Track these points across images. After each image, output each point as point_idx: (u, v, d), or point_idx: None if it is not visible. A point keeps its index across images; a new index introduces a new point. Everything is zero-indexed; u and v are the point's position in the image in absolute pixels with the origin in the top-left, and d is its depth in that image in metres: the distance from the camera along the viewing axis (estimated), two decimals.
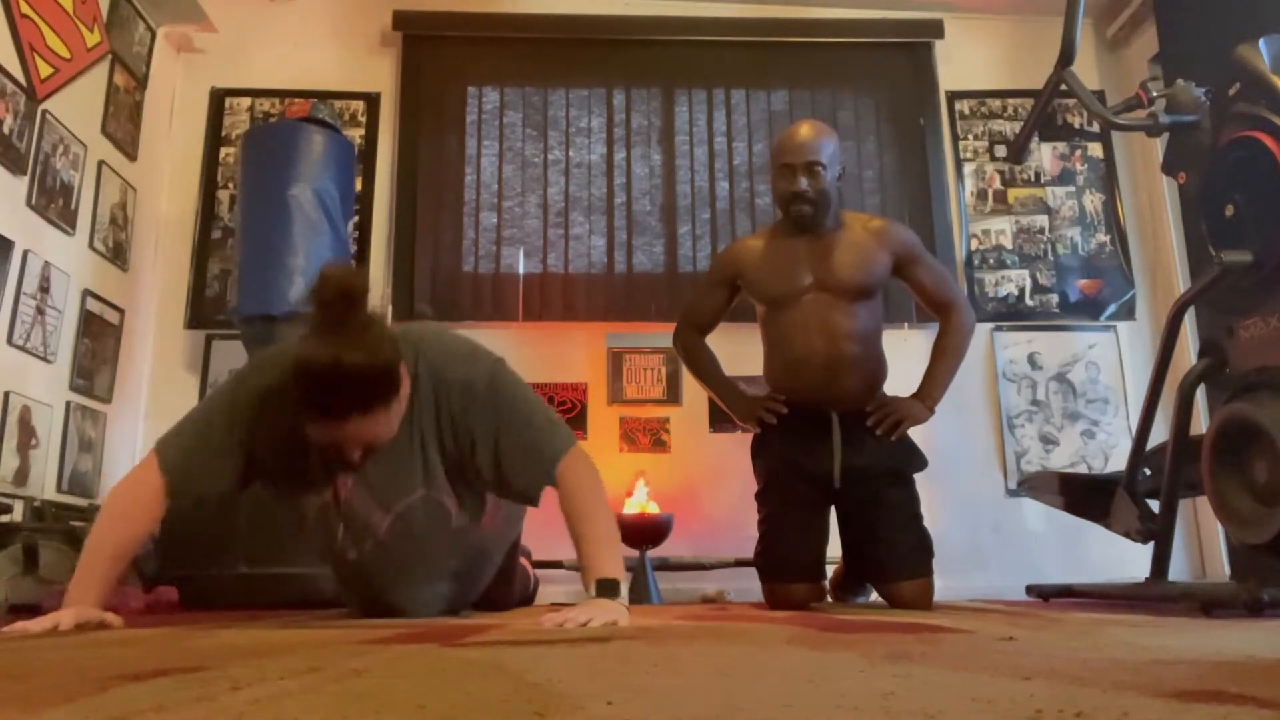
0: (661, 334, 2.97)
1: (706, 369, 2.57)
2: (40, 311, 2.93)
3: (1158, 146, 3.23)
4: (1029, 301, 3.86)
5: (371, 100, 3.95)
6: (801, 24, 4.08)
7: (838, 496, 2.36)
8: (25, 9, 2.83)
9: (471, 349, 1.73)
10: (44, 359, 2.96)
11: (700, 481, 3.58)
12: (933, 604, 2.28)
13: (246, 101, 3.92)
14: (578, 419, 3.65)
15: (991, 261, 3.90)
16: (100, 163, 3.30)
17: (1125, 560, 2.86)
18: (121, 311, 3.43)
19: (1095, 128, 4.01)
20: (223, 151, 3.86)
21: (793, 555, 2.31)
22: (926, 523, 2.33)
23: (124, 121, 3.47)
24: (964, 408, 3.59)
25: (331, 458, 1.58)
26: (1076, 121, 4.03)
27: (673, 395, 3.72)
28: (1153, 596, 2.08)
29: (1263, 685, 0.65)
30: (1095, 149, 4.02)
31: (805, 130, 2.34)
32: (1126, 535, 2.27)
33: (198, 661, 0.89)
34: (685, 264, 3.83)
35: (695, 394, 3.47)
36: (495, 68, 4.01)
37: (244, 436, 1.61)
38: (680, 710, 0.57)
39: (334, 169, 3.19)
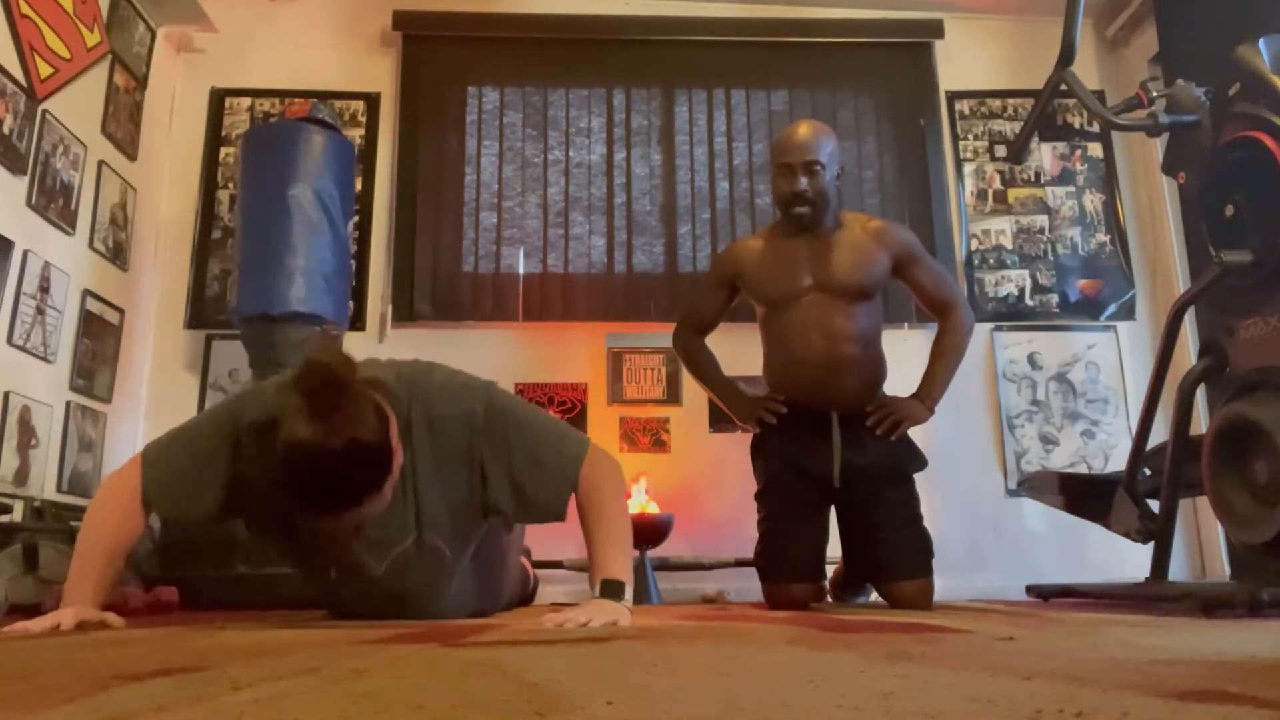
0: (661, 334, 2.97)
1: (706, 369, 2.57)
2: (40, 311, 2.93)
3: (1158, 146, 3.23)
4: (1029, 301, 3.86)
5: (371, 100, 3.95)
6: (801, 24, 4.08)
7: (838, 496, 2.37)
8: (25, 9, 2.83)
9: (462, 382, 1.68)
10: (44, 359, 2.96)
11: (700, 481, 3.58)
12: (933, 604, 2.29)
13: (246, 101, 3.92)
14: (578, 419, 3.65)
15: (991, 261, 3.90)
16: (100, 163, 3.30)
17: (1125, 560, 2.86)
18: (121, 311, 3.43)
19: (1095, 128, 4.01)
20: (223, 151, 3.86)
21: (793, 555, 2.32)
22: (926, 523, 2.33)
23: (124, 121, 3.47)
24: (964, 408, 3.59)
25: (326, 538, 1.54)
26: (1076, 121, 4.03)
27: (673, 395, 3.72)
28: (1153, 596, 2.08)
29: (1263, 685, 0.65)
30: (1095, 149, 4.02)
31: (804, 130, 2.34)
32: (1126, 535, 2.27)
33: (198, 661, 0.89)
34: (685, 264, 3.83)
35: (695, 394, 3.47)
36: (495, 68, 4.01)
37: (229, 476, 1.56)
38: (680, 710, 0.57)
39: (334, 169, 3.19)
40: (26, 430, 2.85)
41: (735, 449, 2.94)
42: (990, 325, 3.80)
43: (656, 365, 3.74)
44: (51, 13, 2.98)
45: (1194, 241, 3.38)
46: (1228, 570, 3.39)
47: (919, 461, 2.38)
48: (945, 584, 2.50)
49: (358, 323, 3.66)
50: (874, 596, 2.59)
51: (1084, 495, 2.54)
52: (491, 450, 1.61)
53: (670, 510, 3.34)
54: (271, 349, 2.97)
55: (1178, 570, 3.36)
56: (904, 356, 2.79)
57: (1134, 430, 2.31)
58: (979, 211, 3.96)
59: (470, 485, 1.62)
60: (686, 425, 3.68)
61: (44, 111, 2.95)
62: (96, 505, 1.60)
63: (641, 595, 3.13)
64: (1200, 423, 2.83)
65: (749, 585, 2.75)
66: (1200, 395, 2.70)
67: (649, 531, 3.22)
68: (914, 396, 2.38)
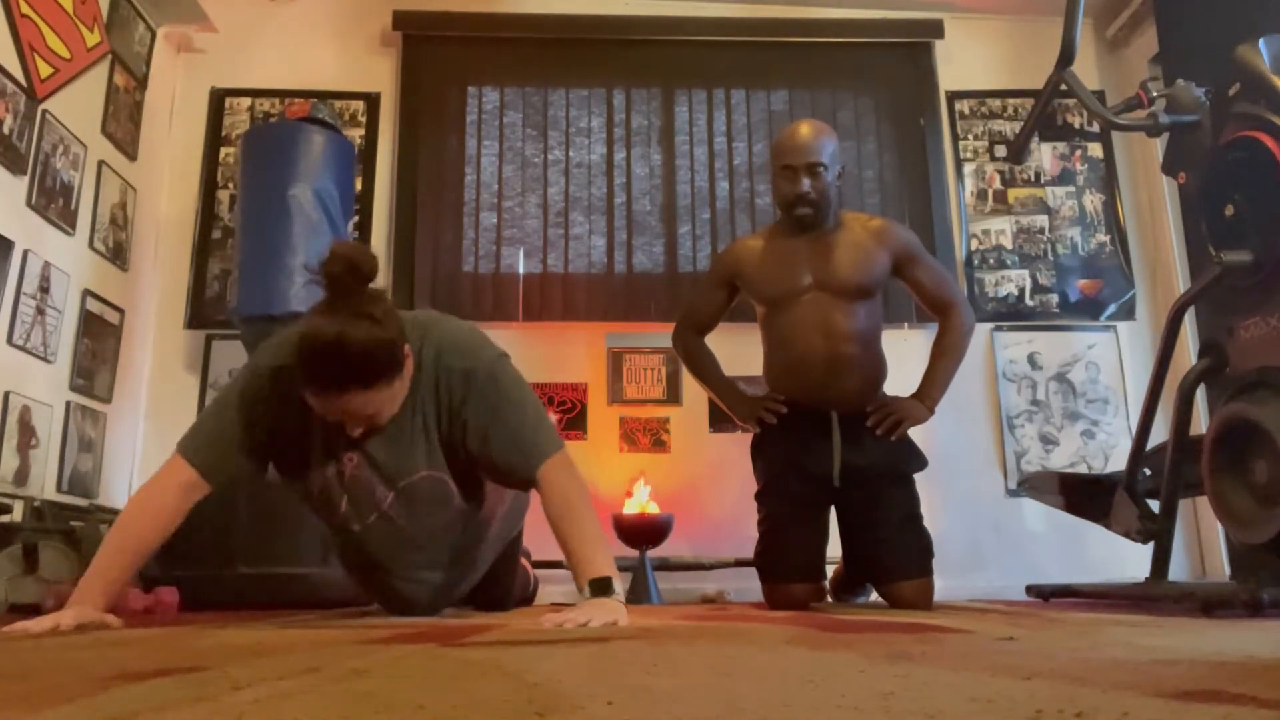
0: (661, 334, 2.97)
1: (706, 369, 2.57)
2: (40, 311, 2.93)
3: (1158, 146, 3.23)
4: (1029, 301, 3.86)
5: (371, 100, 3.95)
6: (801, 24, 4.08)
7: (838, 496, 2.37)
8: (25, 9, 2.83)
9: (478, 339, 1.75)
10: (44, 359, 2.96)
11: (700, 481, 3.58)
12: (933, 604, 2.29)
13: (246, 101, 3.92)
14: (578, 419, 3.65)
15: (991, 261, 3.90)
16: (100, 163, 3.30)
17: (1125, 560, 2.86)
18: (121, 311, 3.43)
19: (1095, 128, 4.01)
20: (223, 151, 3.86)
21: (793, 555, 2.32)
22: (926, 523, 2.33)
23: (124, 121, 3.47)
24: (964, 408, 3.59)
25: (333, 432, 1.61)
26: (1076, 121, 4.03)
27: (673, 395, 3.72)
28: (1153, 596, 2.08)
29: (1263, 685, 0.65)
30: (1095, 149, 4.02)
31: (805, 131, 2.34)
32: (1126, 535, 2.27)
33: (198, 661, 0.89)
34: (685, 264, 3.83)
35: (695, 394, 3.47)
36: (495, 68, 4.01)
37: (260, 419, 1.64)
38: (680, 710, 0.57)
39: (334, 169, 3.19)
40: (26, 430, 2.85)
41: (735, 449, 2.95)
42: (990, 325, 3.80)
43: (656, 365, 3.74)
44: (51, 13, 2.98)
45: (1194, 241, 3.38)
46: (1228, 570, 3.39)
47: (919, 461, 2.38)
48: (945, 584, 2.50)
49: None
50: (874, 596, 2.59)
51: (1084, 495, 2.54)
52: (475, 412, 1.66)
53: (670, 510, 3.33)
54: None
55: (1178, 570, 3.36)
56: (904, 356, 2.79)
57: (1134, 430, 2.31)
58: (979, 211, 3.96)
59: (457, 434, 1.69)
60: (686, 425, 3.68)
61: (44, 111, 2.95)
62: (131, 507, 1.63)
63: (641, 595, 3.13)
64: (1200, 423, 2.83)
65: (749, 585, 2.75)
66: (1200, 395, 2.70)
67: (649, 531, 3.22)
68: (914, 396, 2.38)
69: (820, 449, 2.33)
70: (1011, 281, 3.88)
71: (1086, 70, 3.95)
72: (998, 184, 3.99)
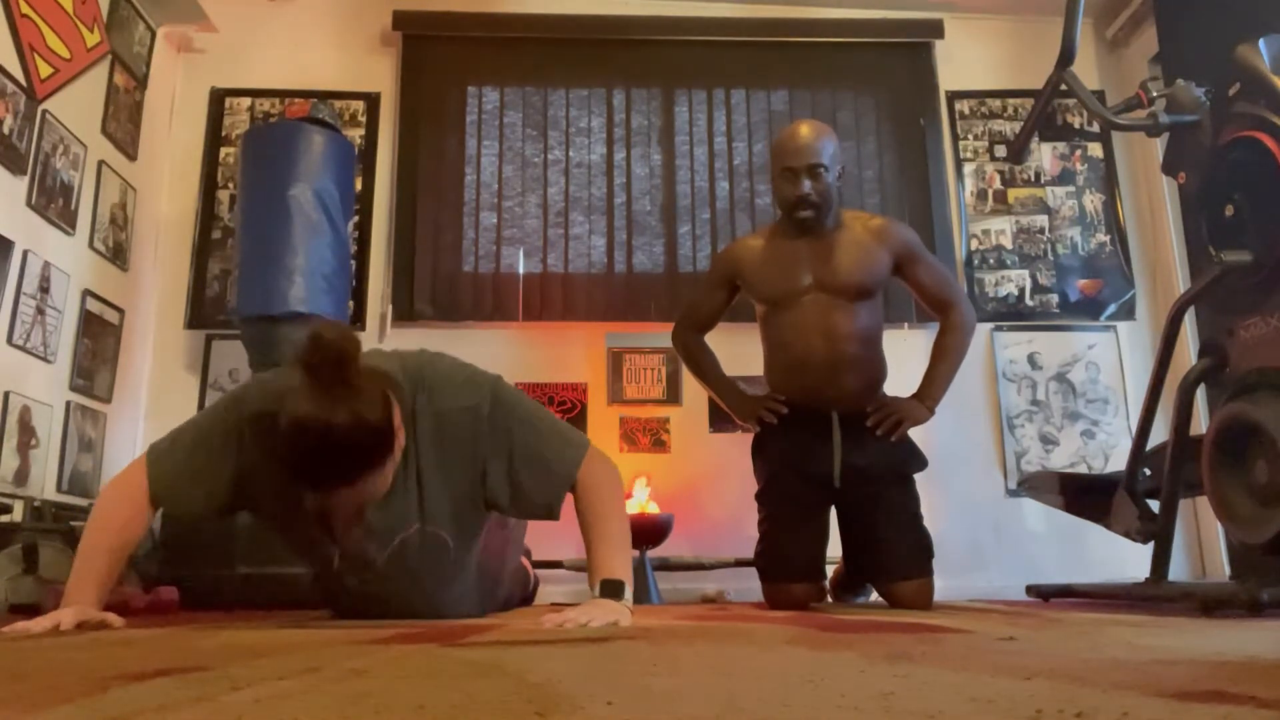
0: (661, 334, 2.97)
1: (706, 368, 2.57)
2: (40, 311, 2.93)
3: (1158, 146, 3.23)
4: (1029, 301, 3.86)
5: (371, 100, 3.95)
6: (801, 24, 4.08)
7: (838, 496, 2.37)
8: (25, 9, 2.83)
9: (469, 375, 1.69)
10: (44, 359, 2.96)
11: (700, 481, 3.58)
12: (933, 604, 2.29)
13: (246, 101, 3.92)
14: (578, 419, 3.65)
15: (991, 261, 3.90)
16: (100, 163, 3.30)
17: (1125, 560, 2.86)
18: (121, 311, 3.43)
19: (1095, 128, 4.01)
20: (223, 151, 3.86)
21: (793, 555, 2.32)
22: (926, 523, 2.33)
23: (124, 121, 3.47)
24: (964, 408, 3.59)
25: (326, 518, 1.54)
26: (1076, 121, 4.03)
27: (673, 395, 3.72)
28: (1153, 596, 2.08)
29: (1263, 685, 0.65)
30: (1095, 149, 4.02)
31: (805, 132, 2.34)
32: (1126, 535, 2.27)
33: (198, 661, 0.89)
34: (685, 264, 3.83)
35: (695, 394, 3.47)
36: (495, 68, 4.01)
37: (235, 467, 1.57)
38: (680, 710, 0.57)
39: (334, 169, 3.19)
40: (26, 430, 2.85)
41: (735, 449, 2.95)
42: (990, 325, 3.80)
43: (656, 365, 3.74)
44: (51, 13, 2.98)
45: (1194, 241, 3.37)
46: (1228, 570, 3.39)
47: (919, 462, 2.38)
48: (945, 584, 2.50)
49: (358, 323, 3.67)
50: (874, 596, 2.59)
51: (1084, 495, 2.54)
52: (493, 445, 1.62)
53: (670, 510, 3.34)
54: (271, 349, 2.97)
55: (1178, 570, 3.36)
56: (904, 356, 2.79)
57: (1134, 430, 2.31)
58: (979, 211, 3.96)
59: (471, 478, 1.63)
60: (686, 425, 3.68)
61: (44, 111, 2.95)
62: (101, 506, 1.61)
63: (641, 595, 3.13)
64: (1200, 423, 2.83)
65: (749, 585, 2.75)
66: (1200, 395, 2.70)
67: (649, 531, 3.22)
68: (914, 397, 2.38)
69: (820, 449, 2.33)
70: (1011, 281, 3.88)
71: (1086, 70, 3.95)
72: (998, 184, 3.99)
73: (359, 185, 3.74)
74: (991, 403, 3.76)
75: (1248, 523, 1.84)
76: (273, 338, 2.99)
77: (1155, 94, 2.24)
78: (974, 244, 3.92)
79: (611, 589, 1.51)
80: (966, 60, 4.10)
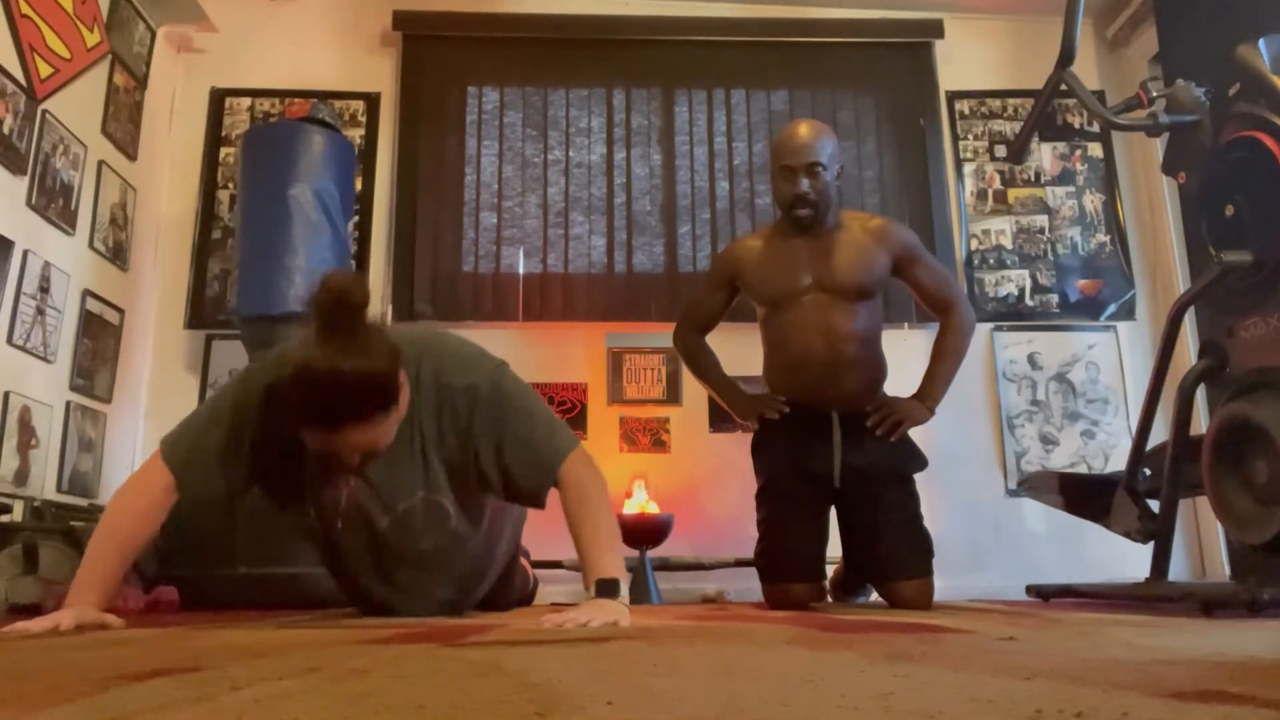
0: (661, 334, 2.97)
1: (707, 368, 2.57)
2: (40, 311, 2.93)
3: (1158, 146, 3.23)
4: (1029, 301, 3.86)
5: (371, 100, 3.95)
6: (801, 24, 4.08)
7: (838, 496, 2.36)
8: (25, 9, 2.83)
9: (475, 353, 1.72)
10: (44, 359, 2.96)
11: (700, 481, 3.57)
12: (933, 604, 2.28)
13: (246, 101, 3.92)
14: (578, 419, 3.65)
15: (991, 261, 3.90)
16: (100, 163, 3.30)
17: (1125, 560, 2.86)
18: (121, 311, 3.43)
19: (1095, 128, 4.01)
20: (223, 151, 3.86)
21: (793, 555, 2.31)
22: (926, 523, 2.33)
23: (124, 121, 3.47)
24: (964, 408, 3.59)
25: (329, 464, 1.58)
26: (1076, 121, 4.03)
27: (673, 395, 3.72)
28: (1153, 596, 2.08)
29: (1263, 685, 0.65)
30: (1095, 149, 4.02)
31: (804, 131, 2.34)
32: (1126, 535, 2.27)
33: (198, 661, 0.89)
34: (685, 264, 3.83)
35: (695, 394, 3.47)
36: (495, 68, 4.01)
37: (247, 438, 1.61)
38: (680, 710, 0.57)
39: (334, 169, 3.19)
40: (26, 430, 2.85)
41: (735, 449, 2.95)
42: (990, 325, 3.80)
43: (656, 365, 3.74)
44: (51, 13, 2.98)
45: (1194, 241, 3.37)
46: (1228, 570, 3.39)
47: (919, 462, 2.38)
48: (945, 584, 2.50)
49: None
50: (874, 596, 2.59)
51: (1084, 495, 2.54)
52: (486, 426, 1.64)
53: (670, 510, 3.34)
54: (271, 349, 2.97)
55: (1178, 570, 3.36)
56: (904, 356, 2.79)
57: (1134, 430, 2.31)
58: (979, 211, 3.96)
59: (464, 455, 1.66)
60: (686, 425, 3.68)
61: (44, 111, 2.95)
62: (115, 505, 1.61)
63: (641, 595, 3.13)
64: (1200, 423, 2.83)
65: (749, 585, 2.75)
66: (1200, 395, 2.70)
67: (649, 531, 3.22)
68: (914, 397, 2.38)
69: (820, 449, 2.33)
70: (1011, 281, 3.88)
71: (1086, 70, 3.95)
72: (998, 184, 3.99)
73: (359, 185, 3.74)
74: (991, 403, 3.76)
75: (1248, 523, 1.84)
76: (273, 338, 2.98)
77: (1155, 94, 2.24)
78: (974, 244, 3.92)
79: (607, 588, 1.52)
80: (966, 60, 4.10)
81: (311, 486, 1.67)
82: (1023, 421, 3.74)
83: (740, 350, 2.77)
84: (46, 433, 2.96)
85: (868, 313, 2.37)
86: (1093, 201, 3.96)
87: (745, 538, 2.52)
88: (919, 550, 2.28)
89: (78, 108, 3.14)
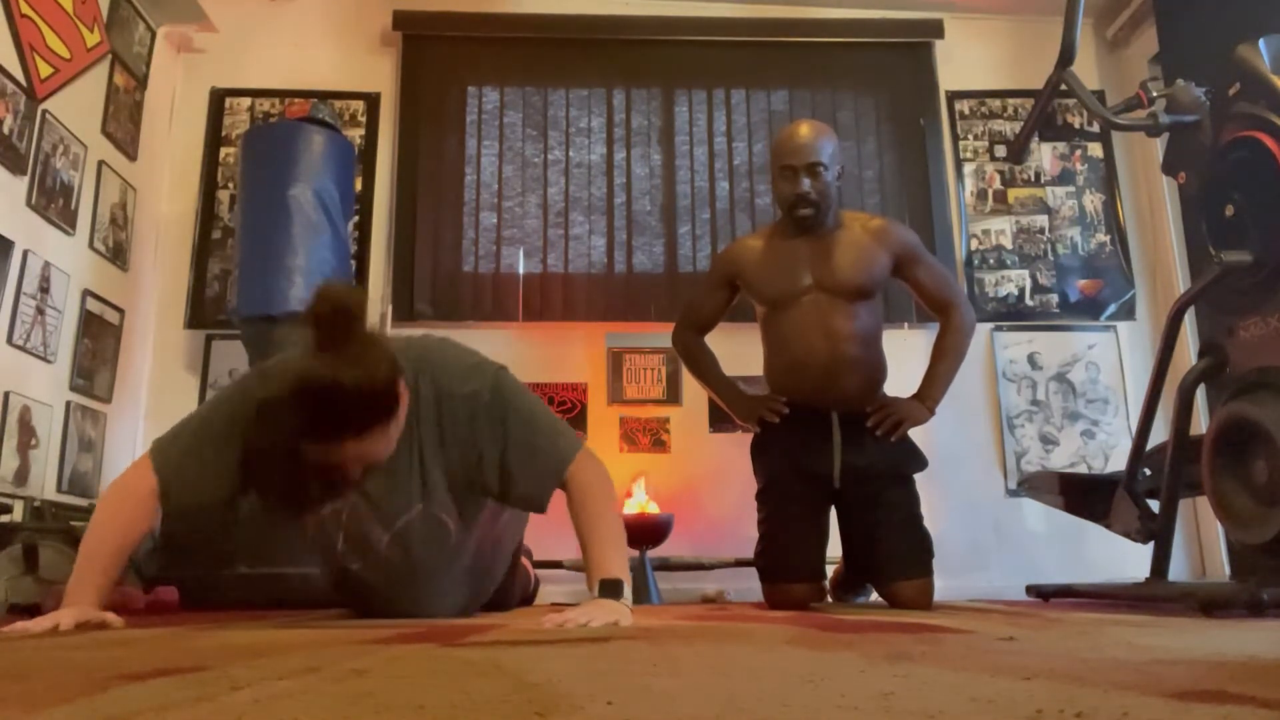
0: (661, 334, 2.97)
1: (706, 369, 2.57)
2: (40, 311, 2.93)
3: (1158, 146, 3.23)
4: (1029, 301, 3.86)
5: (371, 100, 3.95)
6: (801, 24, 4.08)
7: (838, 497, 2.37)
8: (25, 9, 2.83)
9: (473, 360, 1.71)
10: (44, 359, 2.96)
11: (700, 481, 3.57)
12: (933, 604, 2.29)
13: (246, 101, 3.92)
14: (578, 419, 3.65)
15: (991, 261, 3.90)
16: (100, 163, 3.30)
17: (1125, 560, 2.86)
18: (121, 311, 3.43)
19: (1095, 128, 4.01)
20: (223, 151, 3.86)
21: (793, 555, 2.32)
22: (926, 523, 2.33)
23: (124, 121, 3.47)
24: (964, 408, 3.59)
25: (329, 477, 1.55)
26: (1076, 121, 4.03)
27: (673, 395, 3.72)
28: (1153, 596, 2.08)
29: (1263, 685, 0.65)
30: (1095, 149, 4.02)
31: (805, 131, 2.34)
32: (1126, 535, 2.27)
33: (198, 661, 0.89)
34: (685, 264, 3.83)
35: (695, 394, 3.47)
36: (495, 68, 4.01)
37: (240, 451, 1.56)
38: (680, 710, 0.57)
39: (334, 169, 3.19)
40: (26, 430, 2.85)
41: (735, 449, 2.94)
42: (990, 325, 3.80)
43: (656, 365, 3.74)
44: (51, 13, 2.98)
45: (1194, 241, 3.37)
46: (1228, 570, 3.39)
47: (919, 462, 2.38)
48: (945, 584, 2.50)
49: None
50: (874, 596, 2.59)
51: (1084, 495, 2.54)
52: (490, 433, 1.63)
53: (670, 510, 3.34)
54: (271, 349, 2.96)
55: (1178, 570, 3.36)
56: (904, 356, 2.79)
57: (1134, 430, 2.31)
58: (979, 211, 3.96)
59: (467, 463, 1.65)
60: (686, 425, 3.68)
61: (44, 111, 2.95)
62: (105, 505, 1.61)
63: (641, 595, 3.13)
64: (1200, 423, 2.83)
65: (749, 585, 2.75)
66: (1200, 395, 2.70)
67: (649, 531, 3.22)
68: (914, 397, 2.38)
69: (820, 449, 2.33)
70: (1011, 281, 3.88)
71: (1086, 70, 3.95)
72: (998, 184, 3.99)
73: (359, 185, 3.74)
74: (991, 403, 3.76)
75: (1248, 523, 1.84)
76: (273, 338, 2.98)
77: (1155, 94, 2.24)
78: (974, 244, 3.92)
79: (610, 588, 1.52)
80: (966, 60, 4.10)
81: (311, 499, 1.66)
82: (1023, 421, 3.74)
83: (740, 350, 2.77)
84: (46, 433, 2.96)
85: (868, 313, 2.37)
86: (1093, 201, 3.96)
87: (745, 538, 2.52)
88: (919, 550, 2.28)
89: (78, 108, 3.14)
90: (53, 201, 3.01)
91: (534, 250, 3.82)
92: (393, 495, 1.63)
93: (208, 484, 1.59)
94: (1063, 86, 2.36)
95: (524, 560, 2.46)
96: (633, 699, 0.62)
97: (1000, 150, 4.01)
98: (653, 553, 3.26)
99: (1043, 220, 3.94)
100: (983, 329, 3.71)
